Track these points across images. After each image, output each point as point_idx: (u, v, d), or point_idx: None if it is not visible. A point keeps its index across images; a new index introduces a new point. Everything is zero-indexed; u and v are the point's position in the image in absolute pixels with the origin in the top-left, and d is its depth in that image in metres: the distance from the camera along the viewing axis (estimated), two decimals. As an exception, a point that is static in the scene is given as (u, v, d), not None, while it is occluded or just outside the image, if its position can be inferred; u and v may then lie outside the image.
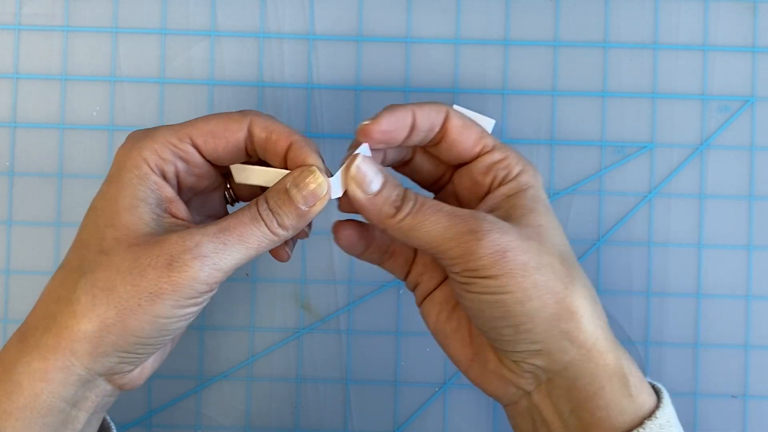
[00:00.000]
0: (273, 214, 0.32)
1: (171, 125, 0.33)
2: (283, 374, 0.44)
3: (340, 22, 0.45)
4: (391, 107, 0.33)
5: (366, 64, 0.44)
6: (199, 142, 0.33)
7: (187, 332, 0.39)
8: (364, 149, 0.33)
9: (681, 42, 0.44)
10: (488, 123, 0.44)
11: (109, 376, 0.32)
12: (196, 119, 0.33)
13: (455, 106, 0.44)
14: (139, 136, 0.33)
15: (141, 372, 0.33)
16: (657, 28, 0.44)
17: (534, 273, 0.31)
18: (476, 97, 0.44)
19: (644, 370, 0.44)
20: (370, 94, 0.44)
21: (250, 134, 0.33)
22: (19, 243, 0.44)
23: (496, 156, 0.34)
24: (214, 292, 0.32)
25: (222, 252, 0.31)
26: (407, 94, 0.44)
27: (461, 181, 0.36)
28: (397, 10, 0.45)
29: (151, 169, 0.32)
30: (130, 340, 0.30)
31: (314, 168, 0.32)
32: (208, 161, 0.34)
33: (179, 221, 0.33)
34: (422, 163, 0.37)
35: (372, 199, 0.32)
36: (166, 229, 0.32)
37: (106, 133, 0.44)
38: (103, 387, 0.32)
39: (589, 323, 0.32)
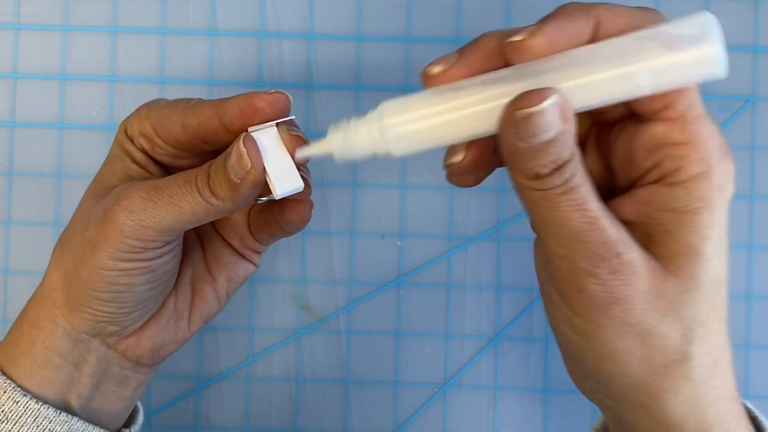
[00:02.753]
0: (208, 180, 0.30)
1: (150, 108, 0.33)
2: (283, 375, 0.44)
3: (340, 22, 0.44)
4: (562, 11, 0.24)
5: (366, 64, 0.44)
6: (157, 126, 0.32)
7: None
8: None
9: (681, 42, 0.44)
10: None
11: (99, 337, 0.33)
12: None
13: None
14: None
15: (138, 340, 0.34)
16: (657, 27, 0.44)
17: (633, 340, 0.25)
18: (476, 96, 0.44)
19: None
20: (370, 94, 0.44)
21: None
22: (18, 243, 0.44)
23: (674, 133, 0.24)
24: (167, 252, 0.31)
25: (151, 209, 0.30)
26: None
27: (618, 143, 0.27)
28: (397, 10, 0.44)
29: (127, 136, 0.33)
30: (87, 293, 0.31)
31: (240, 140, 0.29)
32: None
33: (147, 174, 0.33)
34: None
35: (523, 152, 0.24)
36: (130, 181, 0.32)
37: (106, 133, 0.44)
38: (103, 352, 0.33)
39: (675, 407, 0.26)
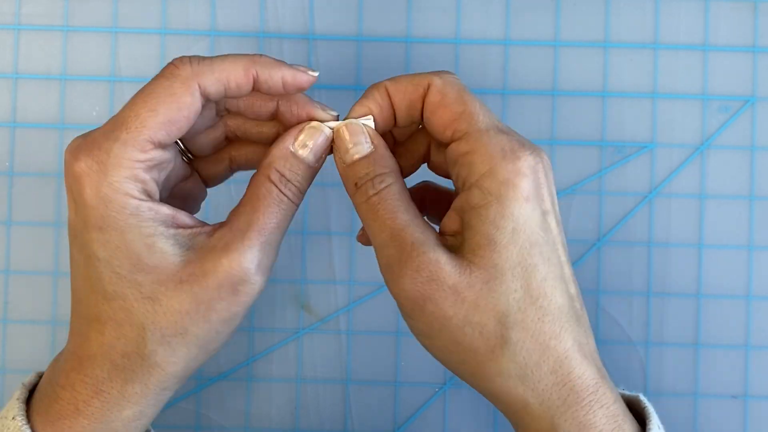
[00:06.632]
0: (291, 183, 0.31)
1: (119, 135, 0.30)
2: (283, 375, 0.44)
3: (340, 22, 0.45)
4: (367, 91, 0.33)
5: (366, 64, 0.44)
6: (161, 138, 0.30)
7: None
8: (367, 119, 0.33)
9: (681, 42, 0.44)
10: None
11: None
12: (139, 109, 0.31)
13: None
14: (98, 167, 0.30)
15: None
16: (657, 28, 0.44)
17: (456, 331, 0.28)
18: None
19: (644, 370, 0.44)
20: (370, 94, 0.44)
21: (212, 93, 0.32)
22: (18, 243, 0.44)
23: (462, 147, 0.29)
24: None
25: (270, 250, 0.31)
26: (407, 94, 0.44)
27: (442, 165, 0.33)
28: (397, 10, 0.45)
29: (139, 198, 0.30)
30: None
31: (316, 124, 0.33)
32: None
33: (193, 229, 0.31)
34: (416, 142, 0.34)
35: (345, 168, 0.32)
36: (189, 246, 0.30)
37: (106, 133, 0.44)
38: None
39: (512, 389, 0.29)
